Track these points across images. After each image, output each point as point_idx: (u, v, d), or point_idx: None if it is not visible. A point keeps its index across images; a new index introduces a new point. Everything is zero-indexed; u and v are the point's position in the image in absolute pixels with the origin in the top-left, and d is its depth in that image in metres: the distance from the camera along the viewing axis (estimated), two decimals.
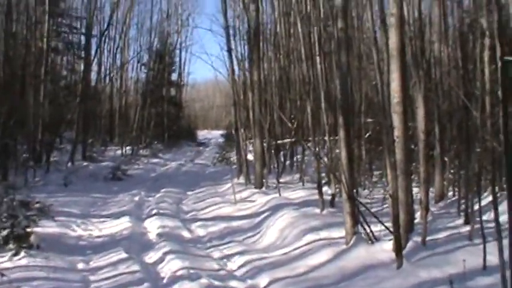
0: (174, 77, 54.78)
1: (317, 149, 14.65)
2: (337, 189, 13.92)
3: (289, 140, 21.64)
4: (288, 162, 24.71)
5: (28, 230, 10.85)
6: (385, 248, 9.23)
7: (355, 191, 12.09)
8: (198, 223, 14.19)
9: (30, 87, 25.73)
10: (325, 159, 14.86)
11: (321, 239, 10.69)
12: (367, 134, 18.69)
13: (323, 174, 16.75)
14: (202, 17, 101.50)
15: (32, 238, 10.79)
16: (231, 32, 22.42)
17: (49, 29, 25.57)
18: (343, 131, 10.10)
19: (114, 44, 44.61)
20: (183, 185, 22.25)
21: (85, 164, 27.79)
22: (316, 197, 13.87)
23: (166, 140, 47.14)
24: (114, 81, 45.67)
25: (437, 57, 13.56)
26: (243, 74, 22.95)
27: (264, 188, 18.50)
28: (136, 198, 18.17)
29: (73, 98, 29.41)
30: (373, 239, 9.74)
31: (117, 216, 14.58)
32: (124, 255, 10.44)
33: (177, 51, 54.42)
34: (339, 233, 10.67)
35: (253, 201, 16.38)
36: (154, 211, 15.44)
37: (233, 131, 23.36)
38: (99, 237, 12.51)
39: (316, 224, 11.77)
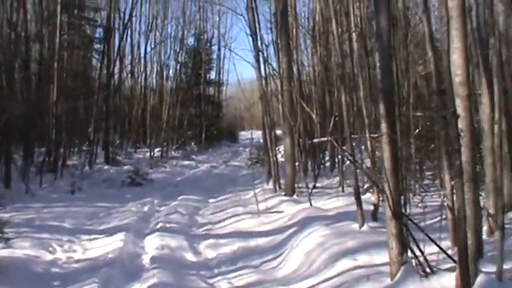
0: (213, 75, 52.45)
1: (353, 149, 11.79)
2: (381, 199, 11.22)
3: (325, 139, 18.89)
4: (328, 164, 22.11)
5: None
6: (445, 285, 6.48)
7: (403, 202, 9.33)
8: (209, 241, 11.56)
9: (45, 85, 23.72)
10: (367, 160, 12.14)
11: (357, 267, 8.00)
12: (417, 130, 15.80)
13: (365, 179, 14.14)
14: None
15: None
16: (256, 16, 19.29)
17: (61, 21, 23.20)
18: (385, 124, 7.27)
19: (142, 39, 42.61)
20: (207, 191, 19.73)
21: (106, 167, 25.48)
22: (355, 207, 11.25)
23: (203, 141, 44.74)
24: (146, 79, 43.66)
25: (503, 32, 10.67)
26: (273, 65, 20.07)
27: (295, 195, 15.83)
28: (146, 208, 15.62)
29: (91, 96, 27.05)
30: (428, 271, 6.96)
31: (113, 232, 12.01)
32: None
33: (215, 49, 52.10)
34: (382, 257, 7.99)
35: (280, 211, 13.72)
36: (159, 225, 12.88)
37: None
38: (78, 261, 9.93)
39: (353, 244, 9.06)
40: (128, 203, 16.76)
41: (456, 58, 6.19)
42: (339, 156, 21.97)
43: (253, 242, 11.19)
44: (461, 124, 6.22)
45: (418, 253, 7.11)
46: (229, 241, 11.34)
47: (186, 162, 32.67)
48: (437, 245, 7.15)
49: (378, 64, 7.53)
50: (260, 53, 18.18)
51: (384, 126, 7.34)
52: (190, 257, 10.34)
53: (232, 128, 59.67)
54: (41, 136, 23.38)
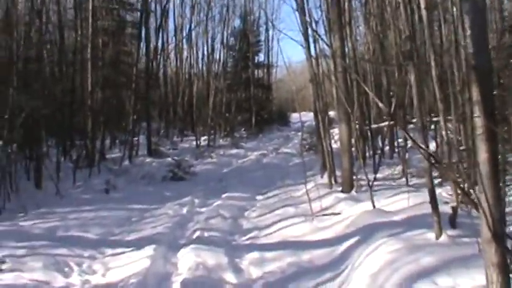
0: (261, 57, 50.66)
1: (427, 139, 9.66)
2: (461, 201, 9.17)
3: (386, 123, 16.79)
4: (386, 148, 19.99)
5: None
6: None
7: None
8: (254, 254, 9.67)
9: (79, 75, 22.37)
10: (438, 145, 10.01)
11: None
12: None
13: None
14: None
15: None
16: None
17: (94, 6, 21.59)
18: (482, 114, 5.29)
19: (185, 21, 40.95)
20: (254, 186, 17.90)
21: (147, 160, 23.85)
22: (427, 207, 9.18)
23: (253, 126, 42.94)
24: (191, 64, 42.06)
25: None
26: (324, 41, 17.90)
27: (353, 191, 13.79)
28: (185, 211, 13.91)
29: (130, 85, 25.43)
30: None
31: (143, 244, 10.26)
32: None
33: (263, 30, 50.28)
34: (467, 279, 6.19)
35: (338, 213, 11.76)
36: (197, 234, 11.09)
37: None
38: None
39: (431, 262, 7.05)
40: (166, 203, 15.09)
41: None
42: (399, 140, 19.96)
43: (306, 256, 9.31)
44: None
45: None
46: (278, 255, 9.47)
47: (234, 151, 30.92)
48: None
49: (468, 32, 5.52)
50: (309, 30, 16.12)
51: (479, 119, 5.33)
52: (230, 277, 8.50)
53: (283, 111, 57.74)
54: (80, 130, 22.05)
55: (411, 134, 13.12)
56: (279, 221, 12.11)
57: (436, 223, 8.51)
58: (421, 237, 8.48)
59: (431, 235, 8.47)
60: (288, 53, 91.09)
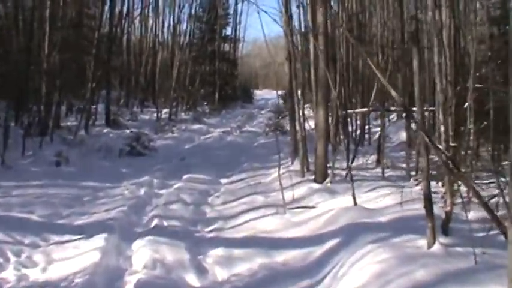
0: (229, 31, 49.62)
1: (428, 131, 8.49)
2: (455, 203, 8.13)
3: (365, 110, 15.76)
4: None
5: None
6: None
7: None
8: (220, 250, 8.49)
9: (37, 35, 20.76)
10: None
11: None
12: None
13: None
14: None
15: None
16: None
17: None
18: None
19: None
20: (219, 167, 16.73)
21: (105, 131, 22.47)
22: (414, 206, 8.71)
23: (216, 102, 41.69)
24: (157, 33, 40.57)
25: None
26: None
27: (328, 182, 12.62)
28: (142, 192, 12.66)
29: (91, 49, 23.94)
30: None
31: (93, 231, 8.99)
32: None
33: (232, 3, 49.35)
34: None
35: (312, 207, 10.64)
36: (155, 222, 9.91)
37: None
38: (31, 287, 6.94)
39: (425, 277, 5.96)
40: (122, 181, 13.85)
41: None
42: (367, 127, 19.13)
43: (279, 257, 8.16)
44: None
45: None
46: (247, 253, 8.30)
47: (196, 127, 29.73)
48: None
49: None
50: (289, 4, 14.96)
51: None
52: (192, 279, 7.34)
53: (247, 87, 56.83)
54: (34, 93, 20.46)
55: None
56: (247, 211, 10.91)
57: (429, 230, 7.42)
58: (411, 244, 7.42)
59: (422, 242, 7.40)
60: (255, 28, 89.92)
